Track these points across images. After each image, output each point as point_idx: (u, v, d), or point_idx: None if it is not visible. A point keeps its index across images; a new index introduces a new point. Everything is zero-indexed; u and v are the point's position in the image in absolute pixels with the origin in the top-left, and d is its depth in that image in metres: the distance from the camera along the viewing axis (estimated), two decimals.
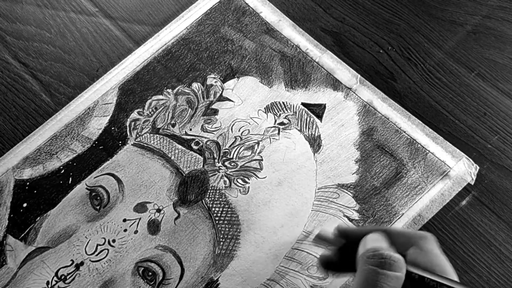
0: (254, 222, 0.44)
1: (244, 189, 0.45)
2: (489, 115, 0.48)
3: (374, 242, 0.32)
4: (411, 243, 0.32)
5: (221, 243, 0.43)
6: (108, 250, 0.43)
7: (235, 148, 0.47)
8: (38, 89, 0.51)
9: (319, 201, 0.45)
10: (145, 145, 0.47)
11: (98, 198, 0.45)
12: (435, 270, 0.30)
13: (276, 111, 0.48)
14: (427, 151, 0.46)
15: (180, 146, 0.47)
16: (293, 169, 0.46)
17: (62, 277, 0.43)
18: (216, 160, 0.46)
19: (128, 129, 0.48)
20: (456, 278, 0.30)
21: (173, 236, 0.44)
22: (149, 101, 0.49)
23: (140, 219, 0.44)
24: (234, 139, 0.47)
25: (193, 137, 0.47)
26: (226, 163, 0.46)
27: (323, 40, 0.52)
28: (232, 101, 0.49)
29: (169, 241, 0.43)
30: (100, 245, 0.44)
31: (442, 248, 0.33)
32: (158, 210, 0.44)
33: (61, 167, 0.47)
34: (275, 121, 0.48)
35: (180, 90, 0.50)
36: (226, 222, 0.44)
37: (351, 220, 0.44)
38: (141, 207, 0.45)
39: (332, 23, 0.53)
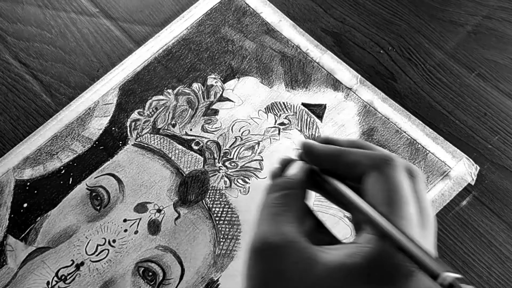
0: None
1: (244, 189, 0.45)
2: (489, 116, 0.48)
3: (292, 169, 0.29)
4: (374, 166, 0.26)
5: (222, 243, 0.43)
6: (108, 250, 0.43)
7: (236, 148, 0.47)
8: (39, 89, 0.51)
9: (320, 201, 0.45)
10: (146, 145, 0.47)
11: (99, 198, 0.45)
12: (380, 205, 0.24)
13: (276, 111, 0.48)
14: (428, 152, 0.46)
15: (180, 146, 0.47)
16: None
17: (63, 277, 0.43)
18: (216, 160, 0.46)
19: (128, 129, 0.48)
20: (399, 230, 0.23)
21: (173, 236, 0.44)
22: (149, 101, 0.49)
23: (140, 219, 0.44)
24: (234, 139, 0.47)
25: (194, 137, 0.47)
26: (226, 163, 0.46)
27: (324, 41, 0.52)
28: (232, 101, 0.49)
29: (169, 241, 0.43)
30: (100, 245, 0.44)
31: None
32: (159, 210, 0.44)
33: (62, 167, 0.47)
34: (276, 121, 0.48)
35: (180, 91, 0.50)
36: (226, 222, 0.44)
37: (351, 220, 0.44)
38: (141, 207, 0.45)
39: (333, 23, 0.53)
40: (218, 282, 0.42)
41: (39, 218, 0.45)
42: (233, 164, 0.46)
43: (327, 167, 0.29)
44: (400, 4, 0.53)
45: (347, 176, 0.28)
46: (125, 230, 0.44)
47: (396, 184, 0.25)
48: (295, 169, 0.30)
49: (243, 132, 0.47)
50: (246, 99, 0.49)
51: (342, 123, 0.48)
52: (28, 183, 0.46)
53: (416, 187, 0.26)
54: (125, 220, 0.44)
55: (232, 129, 0.48)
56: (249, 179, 0.46)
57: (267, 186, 0.29)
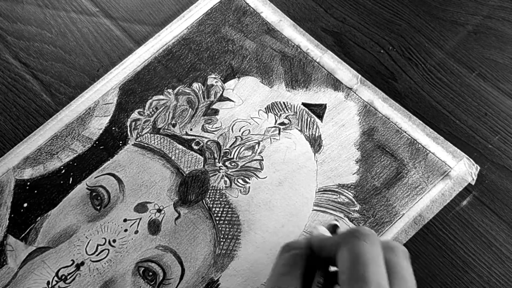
0: (255, 222, 0.44)
1: (244, 189, 0.45)
2: (490, 115, 0.48)
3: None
4: (342, 242, 0.31)
5: (222, 243, 0.43)
6: (108, 250, 0.43)
7: (236, 148, 0.47)
8: (39, 89, 0.51)
9: (320, 201, 0.45)
10: (146, 145, 0.47)
11: (99, 198, 0.45)
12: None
13: (276, 111, 0.48)
14: (428, 151, 0.46)
15: (180, 146, 0.47)
16: (294, 169, 0.46)
17: (63, 277, 0.43)
18: (216, 160, 0.46)
19: (128, 129, 0.48)
20: None
21: (173, 236, 0.44)
22: (149, 101, 0.49)
23: (140, 219, 0.44)
24: (234, 139, 0.47)
25: (194, 137, 0.47)
26: (226, 163, 0.46)
27: (324, 40, 0.52)
28: (232, 101, 0.49)
29: (169, 241, 0.43)
30: (100, 245, 0.44)
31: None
32: (159, 210, 0.44)
33: (62, 167, 0.47)
34: (276, 121, 0.48)
35: (180, 90, 0.50)
36: (226, 222, 0.44)
37: (351, 220, 0.44)
38: (141, 207, 0.45)
39: (333, 23, 0.53)
40: (219, 282, 0.42)
41: (39, 218, 0.45)
42: (233, 164, 0.46)
43: (320, 255, 0.33)
44: (400, 4, 0.53)
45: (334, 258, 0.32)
46: (125, 230, 0.44)
47: (356, 253, 0.28)
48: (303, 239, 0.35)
49: (243, 132, 0.47)
50: (246, 99, 0.49)
51: (342, 123, 0.48)
52: (28, 183, 0.46)
53: (395, 259, 0.29)
54: (125, 220, 0.44)
55: (232, 129, 0.48)
56: (249, 179, 0.46)
57: (281, 248, 0.34)
